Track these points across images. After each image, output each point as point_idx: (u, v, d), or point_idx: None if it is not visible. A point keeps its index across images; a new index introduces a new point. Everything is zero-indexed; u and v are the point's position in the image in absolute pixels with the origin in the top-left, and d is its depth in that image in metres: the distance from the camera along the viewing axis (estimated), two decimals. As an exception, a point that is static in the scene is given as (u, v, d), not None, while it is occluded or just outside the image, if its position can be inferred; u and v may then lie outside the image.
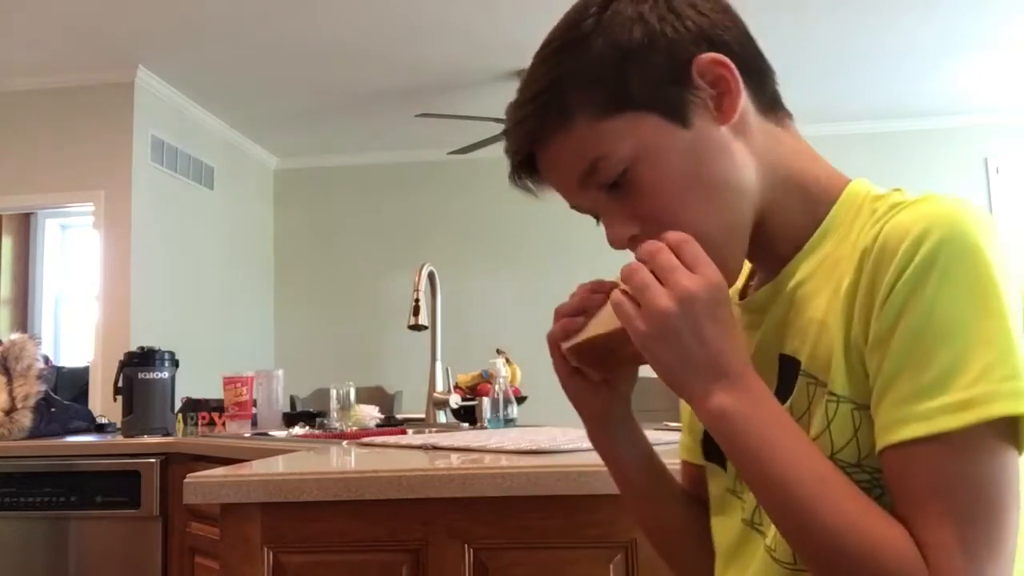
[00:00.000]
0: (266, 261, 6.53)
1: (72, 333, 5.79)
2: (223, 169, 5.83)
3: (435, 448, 1.52)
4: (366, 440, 1.88)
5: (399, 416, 2.93)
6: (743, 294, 0.80)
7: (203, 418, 2.74)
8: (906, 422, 0.58)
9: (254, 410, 2.66)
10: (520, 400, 2.47)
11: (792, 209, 0.72)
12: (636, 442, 0.82)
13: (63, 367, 3.24)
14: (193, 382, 3.34)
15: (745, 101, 0.70)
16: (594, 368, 0.76)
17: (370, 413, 2.48)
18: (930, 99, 5.66)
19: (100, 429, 2.88)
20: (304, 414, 2.76)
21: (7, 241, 5.81)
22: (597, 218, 0.75)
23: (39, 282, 5.88)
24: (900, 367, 0.59)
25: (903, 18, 4.45)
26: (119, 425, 2.68)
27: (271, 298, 6.54)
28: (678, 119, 0.69)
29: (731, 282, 0.74)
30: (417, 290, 2.44)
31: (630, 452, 0.82)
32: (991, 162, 6.00)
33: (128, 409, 2.57)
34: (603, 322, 0.71)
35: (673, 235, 0.66)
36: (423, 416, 2.62)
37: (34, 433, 2.60)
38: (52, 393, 2.75)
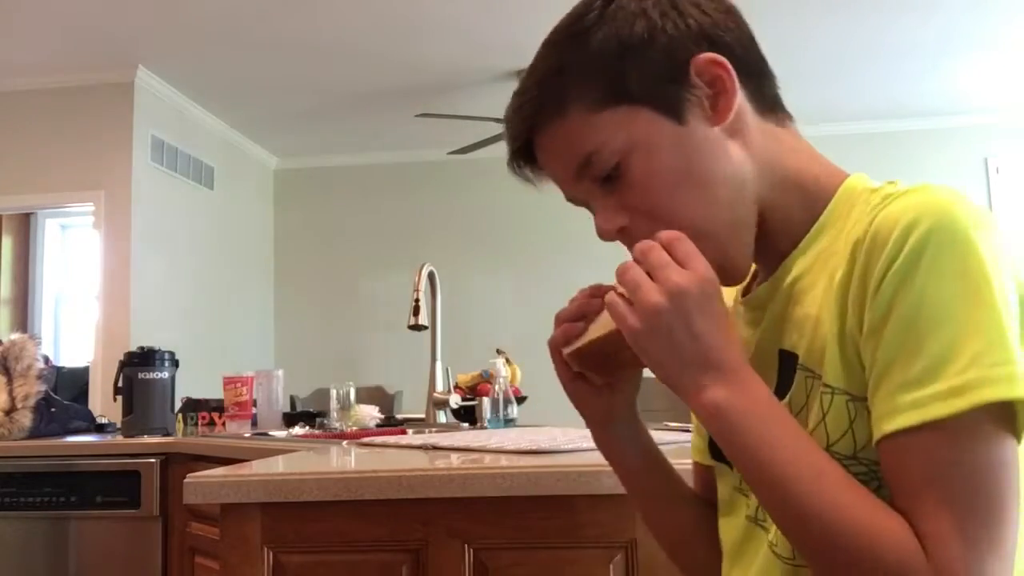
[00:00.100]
0: (266, 261, 6.53)
1: (72, 333, 5.79)
2: (223, 169, 5.83)
3: (435, 448, 1.52)
4: (366, 440, 1.88)
5: (399, 416, 2.93)
6: (747, 292, 0.80)
7: (203, 418, 2.74)
8: (899, 412, 0.58)
9: (254, 410, 2.66)
10: (520, 400, 2.47)
11: (791, 207, 0.72)
12: (642, 445, 0.83)
13: (63, 367, 3.24)
14: (193, 382, 3.34)
15: (741, 101, 0.70)
16: (596, 372, 0.77)
17: (370, 413, 2.48)
18: (930, 99, 5.66)
19: (100, 429, 2.87)
20: (304, 414, 2.76)
21: (7, 241, 5.81)
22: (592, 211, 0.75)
23: (39, 282, 5.88)
24: (893, 357, 0.59)
25: (903, 18, 4.45)
26: (119, 425, 2.68)
27: (271, 298, 6.54)
28: (673, 115, 0.69)
29: (739, 279, 0.74)
30: (417, 290, 2.44)
31: (637, 455, 0.83)
32: (991, 162, 6.01)
33: (128, 409, 2.57)
34: (602, 325, 0.71)
35: (666, 233, 0.67)
36: (423, 416, 2.62)
37: (34, 433, 2.60)
38: (52, 393, 2.75)
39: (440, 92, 5.20)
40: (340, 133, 6.09)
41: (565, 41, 0.72)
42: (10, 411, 2.56)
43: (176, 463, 2.34)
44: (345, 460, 1.48)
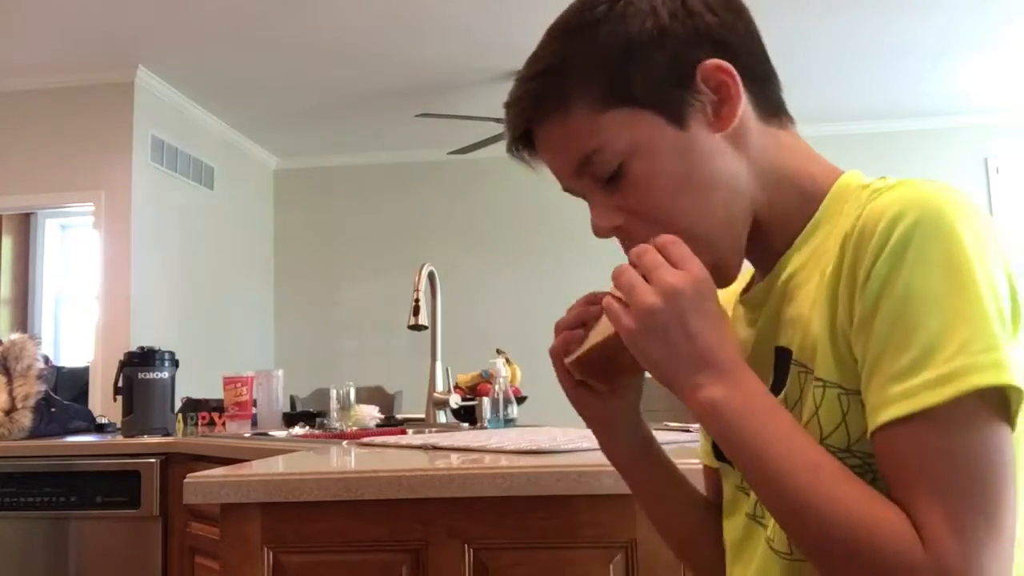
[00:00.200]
0: (266, 261, 6.53)
1: (72, 333, 5.79)
2: (223, 169, 5.83)
3: (435, 448, 1.52)
4: (366, 440, 1.88)
5: (399, 416, 2.93)
6: (745, 293, 0.80)
7: (203, 418, 2.74)
8: (890, 402, 0.58)
9: (254, 410, 2.66)
10: (520, 400, 2.47)
11: (788, 207, 0.72)
12: (647, 449, 0.83)
13: (63, 367, 3.24)
14: (193, 382, 3.34)
15: (745, 107, 0.70)
16: (597, 379, 0.77)
17: (370, 413, 2.48)
18: (930, 99, 5.66)
19: (100, 429, 2.87)
20: (304, 414, 2.76)
21: (7, 241, 5.81)
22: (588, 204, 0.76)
23: (39, 282, 5.88)
24: (882, 349, 0.59)
25: (903, 18, 4.45)
26: (119, 425, 2.68)
27: (271, 298, 6.54)
28: (675, 121, 0.69)
29: (730, 280, 0.74)
30: (417, 290, 2.44)
31: (642, 459, 0.83)
32: (991, 162, 6.01)
33: (128, 409, 2.57)
34: (600, 331, 0.72)
35: (661, 237, 0.67)
36: (423, 416, 2.62)
37: (34, 433, 2.60)
38: (52, 393, 2.75)
39: (440, 92, 5.20)
40: (340, 133, 6.09)
41: (572, 32, 0.71)
42: (10, 411, 2.56)
43: (176, 463, 2.34)
44: (345, 460, 1.48)
